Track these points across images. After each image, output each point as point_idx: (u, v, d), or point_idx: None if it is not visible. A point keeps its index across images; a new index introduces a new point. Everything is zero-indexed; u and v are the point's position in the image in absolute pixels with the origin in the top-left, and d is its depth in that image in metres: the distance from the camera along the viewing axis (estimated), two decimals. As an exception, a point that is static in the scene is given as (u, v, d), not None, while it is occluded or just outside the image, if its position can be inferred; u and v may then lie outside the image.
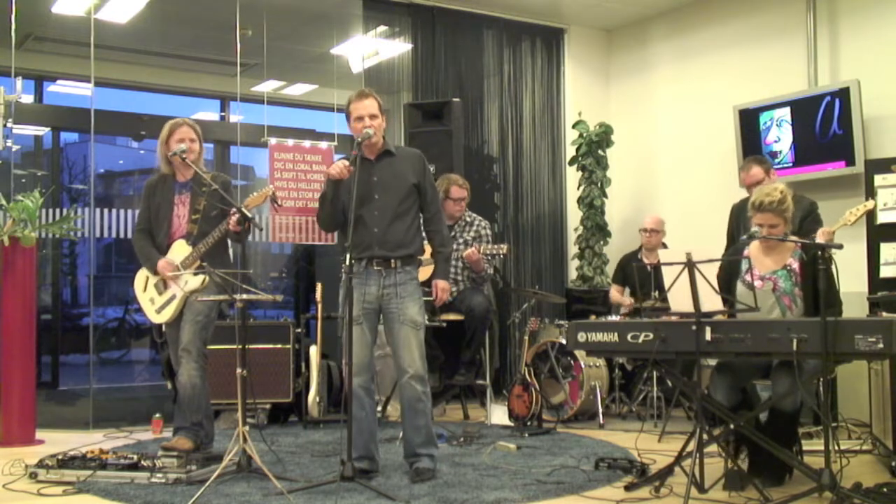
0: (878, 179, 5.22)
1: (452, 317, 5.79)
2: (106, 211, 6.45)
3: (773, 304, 3.87)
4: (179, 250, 4.50)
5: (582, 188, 7.42)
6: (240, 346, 4.07)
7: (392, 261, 4.06)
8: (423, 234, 4.32)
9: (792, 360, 3.67)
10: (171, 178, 4.61)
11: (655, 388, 5.71)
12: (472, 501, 3.58)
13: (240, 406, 3.99)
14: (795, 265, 3.87)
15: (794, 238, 3.87)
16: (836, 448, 3.85)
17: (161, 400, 6.21)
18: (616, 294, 6.48)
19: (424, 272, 4.64)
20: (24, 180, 6.22)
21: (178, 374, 4.42)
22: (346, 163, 3.99)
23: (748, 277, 3.86)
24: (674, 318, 3.70)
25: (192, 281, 4.42)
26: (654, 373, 5.60)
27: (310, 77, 8.77)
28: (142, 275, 4.63)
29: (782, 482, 3.81)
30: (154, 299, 4.56)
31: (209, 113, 9.17)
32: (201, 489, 3.64)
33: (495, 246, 5.64)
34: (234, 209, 4.26)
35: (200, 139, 4.60)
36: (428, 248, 4.39)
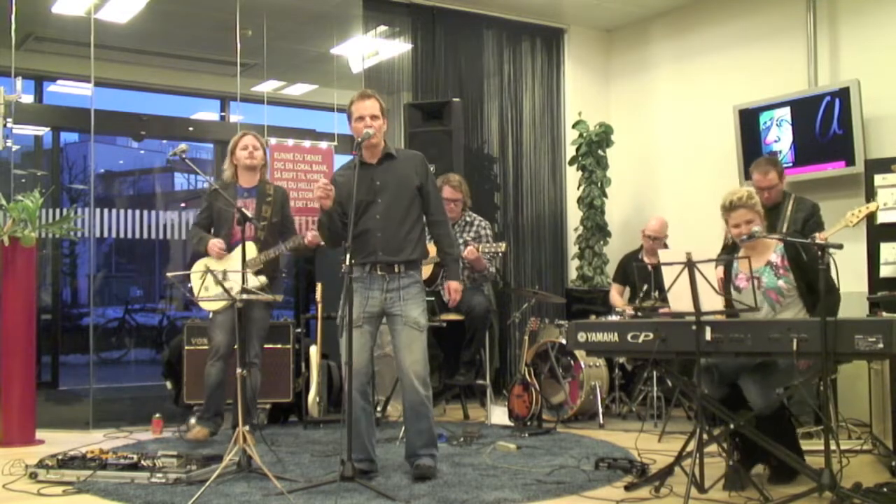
0: (878, 179, 5.22)
1: (452, 317, 5.78)
2: (106, 211, 6.46)
3: (762, 300, 3.90)
4: (247, 250, 4.79)
5: (582, 188, 7.42)
6: (240, 346, 4.09)
7: (396, 265, 4.04)
8: (428, 236, 4.29)
9: (759, 366, 3.70)
10: (234, 184, 5.06)
11: (655, 388, 5.70)
12: (472, 501, 3.58)
13: (240, 406, 4.00)
14: (776, 259, 3.93)
15: (776, 236, 3.90)
16: (837, 448, 3.85)
17: (161, 400, 6.21)
18: (616, 296, 6.47)
19: (423, 271, 4.63)
20: (24, 180, 6.22)
21: (246, 375, 4.63)
22: (325, 183, 3.98)
23: (736, 281, 3.99)
24: (670, 318, 3.71)
25: (252, 280, 4.69)
26: (654, 373, 5.61)
27: (310, 77, 8.78)
28: (202, 264, 4.98)
29: (791, 480, 3.81)
30: (209, 287, 4.82)
31: (209, 113, 9.17)
32: (201, 489, 3.64)
33: (493, 244, 5.64)
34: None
35: (264, 148, 5.13)
36: (430, 249, 4.38)
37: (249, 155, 5.01)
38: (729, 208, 3.96)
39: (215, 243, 4.93)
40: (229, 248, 4.97)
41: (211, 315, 5.04)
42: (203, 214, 5.14)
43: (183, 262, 5.16)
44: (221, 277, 4.73)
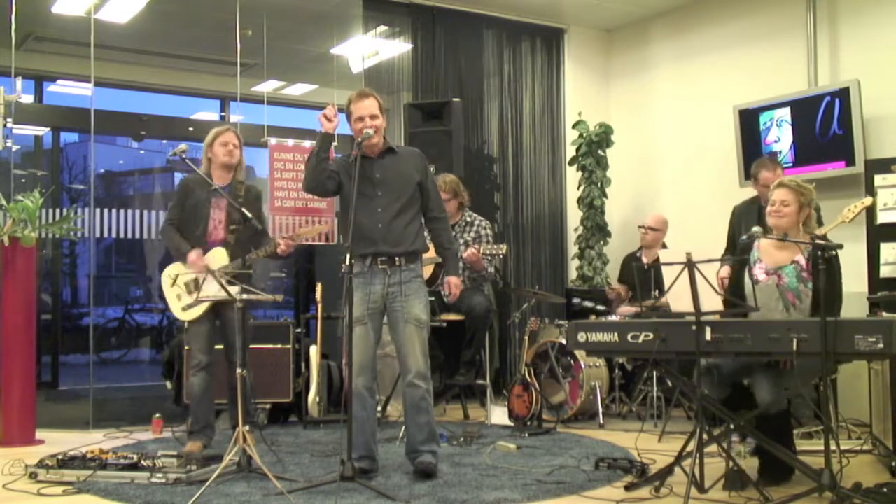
0: (878, 179, 5.22)
1: (452, 317, 5.78)
2: (106, 211, 6.46)
3: (778, 299, 3.88)
4: (218, 257, 4.62)
5: (582, 188, 7.42)
6: (240, 346, 4.09)
7: (397, 258, 4.06)
8: (427, 233, 4.32)
9: (771, 364, 3.70)
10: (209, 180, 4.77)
11: (655, 388, 5.70)
12: (472, 501, 3.59)
13: (240, 406, 3.99)
14: (803, 261, 3.88)
15: (775, 236, 3.88)
16: (837, 448, 3.85)
17: (161, 400, 6.21)
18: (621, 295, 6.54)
19: (424, 272, 4.64)
20: (24, 180, 6.22)
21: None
22: (335, 110, 3.97)
23: (754, 271, 3.92)
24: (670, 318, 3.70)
25: (230, 289, 4.32)
26: (654, 373, 5.61)
27: (310, 77, 8.77)
28: (172, 270, 4.74)
29: (780, 482, 3.81)
30: (181, 297, 4.69)
31: (209, 113, 9.17)
32: (201, 489, 3.64)
33: (494, 246, 5.64)
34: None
35: (242, 148, 4.84)
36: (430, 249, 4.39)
37: (229, 153, 4.77)
38: (774, 186, 3.99)
39: (196, 261, 4.56)
40: (205, 250, 4.65)
41: (186, 325, 4.72)
42: (176, 210, 4.76)
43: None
44: (195, 285, 4.56)
